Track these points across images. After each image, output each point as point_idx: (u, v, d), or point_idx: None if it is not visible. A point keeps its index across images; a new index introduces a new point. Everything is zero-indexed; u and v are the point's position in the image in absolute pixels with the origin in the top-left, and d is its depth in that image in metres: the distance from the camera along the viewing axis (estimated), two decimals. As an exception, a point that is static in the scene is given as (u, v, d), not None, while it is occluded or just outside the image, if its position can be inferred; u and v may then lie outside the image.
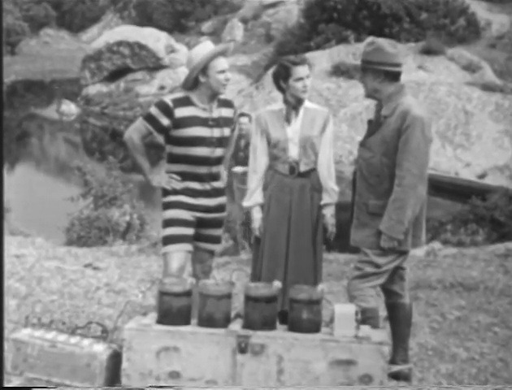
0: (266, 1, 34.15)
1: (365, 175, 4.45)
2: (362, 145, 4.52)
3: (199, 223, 4.78)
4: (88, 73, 28.36)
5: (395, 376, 4.50)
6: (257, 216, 4.88)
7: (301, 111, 4.86)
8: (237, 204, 9.39)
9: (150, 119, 4.70)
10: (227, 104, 4.85)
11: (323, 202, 4.86)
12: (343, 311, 4.10)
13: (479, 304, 6.36)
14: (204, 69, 4.66)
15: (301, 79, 4.78)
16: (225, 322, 4.17)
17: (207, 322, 4.15)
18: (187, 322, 4.19)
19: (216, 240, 4.95)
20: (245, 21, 34.10)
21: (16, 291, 6.20)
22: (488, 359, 5.07)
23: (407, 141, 4.30)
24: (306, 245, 4.81)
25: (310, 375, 4.04)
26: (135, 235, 11.44)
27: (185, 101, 4.71)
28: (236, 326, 4.15)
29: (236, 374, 4.06)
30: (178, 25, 37.30)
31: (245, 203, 4.94)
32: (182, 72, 23.04)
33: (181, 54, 27.19)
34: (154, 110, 4.70)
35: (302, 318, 4.12)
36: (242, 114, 9.56)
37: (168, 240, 4.71)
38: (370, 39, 4.55)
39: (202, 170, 4.75)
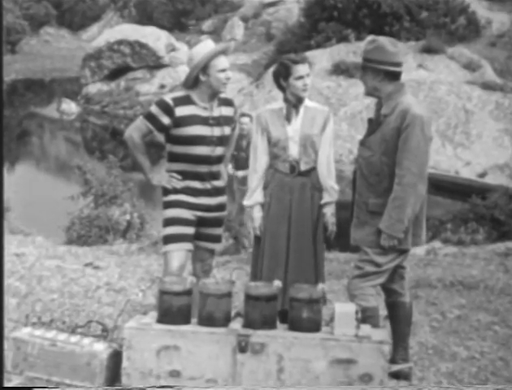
0: (267, -1, 34.15)
1: (365, 173, 4.45)
2: (362, 143, 4.51)
3: (199, 222, 4.78)
4: (89, 72, 28.32)
5: (395, 375, 4.50)
6: (257, 215, 4.88)
7: (302, 110, 4.86)
8: (238, 204, 9.41)
9: (151, 117, 4.70)
10: (227, 103, 4.85)
11: (323, 201, 4.86)
12: (343, 310, 4.10)
13: (480, 303, 6.36)
14: (204, 68, 4.66)
15: (301, 77, 4.78)
16: (225, 321, 4.17)
17: (207, 321, 4.15)
18: (187, 321, 4.19)
19: (216, 239, 4.95)
20: (245, 20, 34.06)
21: (16, 290, 6.20)
22: (489, 358, 5.07)
23: (407, 140, 4.30)
24: (307, 244, 4.81)
25: (311, 374, 4.04)
26: (135, 234, 11.43)
27: (186, 100, 4.71)
28: (236, 325, 4.15)
29: (236, 373, 4.06)
30: (178, 24, 37.28)
31: (246, 202, 4.94)
32: (182, 71, 23.00)
33: (182, 53, 27.15)
34: (154, 109, 4.70)
35: (302, 317, 4.12)
36: (243, 115, 9.57)
37: (169, 239, 4.71)
38: (371, 37, 4.55)
39: (203, 169, 4.75)
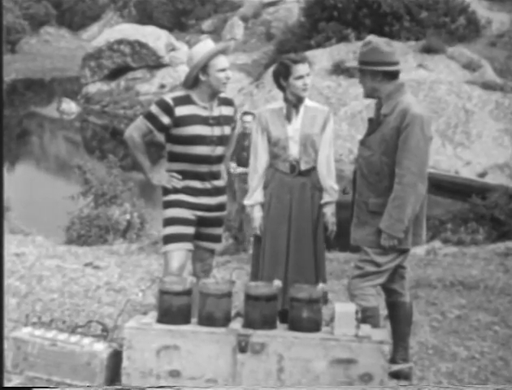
0: (267, -1, 34.15)
1: (365, 173, 4.45)
2: (362, 143, 4.51)
3: (200, 222, 4.78)
4: (89, 71, 28.32)
5: (395, 375, 4.50)
6: (257, 215, 4.88)
7: (302, 109, 4.86)
8: (238, 204, 9.41)
9: (151, 117, 4.70)
10: (227, 102, 4.85)
11: (323, 201, 4.86)
12: (343, 310, 4.10)
13: (480, 303, 6.36)
14: (204, 67, 4.66)
15: (301, 77, 4.78)
16: (225, 321, 4.16)
17: (207, 320, 4.15)
18: (187, 320, 4.19)
19: (217, 238, 4.95)
20: (245, 19, 34.05)
21: (16, 289, 6.20)
22: (489, 358, 5.07)
23: (407, 139, 4.30)
24: (307, 244, 4.80)
25: (311, 374, 4.04)
26: (135, 233, 11.44)
27: (186, 100, 4.71)
28: (236, 325, 4.15)
29: (236, 373, 4.06)
30: (178, 23, 37.27)
31: (246, 202, 4.94)
32: (182, 71, 22.99)
33: (181, 53, 27.14)
34: (154, 109, 4.70)
35: (302, 316, 4.12)
36: (246, 113, 9.55)
37: (169, 239, 4.71)
38: (365, 39, 4.54)
39: (203, 168, 4.75)
